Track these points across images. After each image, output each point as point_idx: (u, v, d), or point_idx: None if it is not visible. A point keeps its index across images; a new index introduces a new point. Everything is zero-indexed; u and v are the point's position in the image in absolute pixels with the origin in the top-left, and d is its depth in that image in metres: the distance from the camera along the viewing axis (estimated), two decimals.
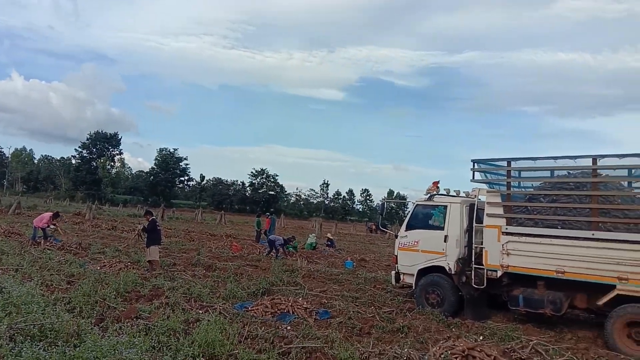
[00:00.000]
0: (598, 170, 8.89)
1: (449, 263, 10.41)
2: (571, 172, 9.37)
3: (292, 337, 7.37)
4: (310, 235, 25.16)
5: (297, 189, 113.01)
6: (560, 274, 8.87)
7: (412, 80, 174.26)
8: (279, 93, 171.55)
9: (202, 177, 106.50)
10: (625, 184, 9.46)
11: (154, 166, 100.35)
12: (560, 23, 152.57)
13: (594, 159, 8.77)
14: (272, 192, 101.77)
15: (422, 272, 10.86)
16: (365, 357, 6.79)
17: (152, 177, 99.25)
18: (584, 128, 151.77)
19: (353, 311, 9.77)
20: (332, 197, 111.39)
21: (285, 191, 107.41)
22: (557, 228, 9.02)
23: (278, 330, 7.67)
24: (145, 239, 13.48)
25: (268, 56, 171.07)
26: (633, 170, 9.11)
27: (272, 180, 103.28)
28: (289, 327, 8.04)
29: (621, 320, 8.20)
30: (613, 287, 8.33)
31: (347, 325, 8.72)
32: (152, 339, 6.49)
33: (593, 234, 8.56)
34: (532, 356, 7.47)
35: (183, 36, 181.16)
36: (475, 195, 10.80)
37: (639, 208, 8.67)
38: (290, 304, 9.37)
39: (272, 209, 60.96)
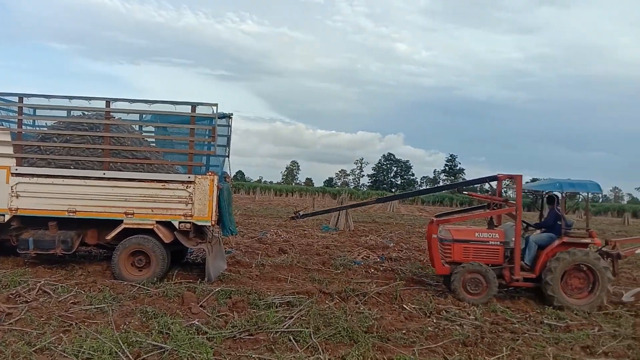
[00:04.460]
0: (112, 113, 9.33)
1: None
2: (86, 113, 9.47)
3: None
4: None
5: None
6: (72, 214, 8.98)
7: None
8: None
9: None
10: (137, 127, 10.33)
11: None
12: None
13: (108, 101, 9.13)
14: None
15: None
16: None
17: None
18: (114, 73, 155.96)
19: None
20: None
21: None
22: (70, 168, 9.04)
23: None
24: None
25: None
26: (143, 115, 10.06)
27: None
28: None
29: (127, 251, 9.04)
30: (121, 221, 9.06)
31: None
32: None
33: (104, 174, 9.01)
34: (39, 297, 7.38)
35: None
36: None
37: (145, 149, 9.62)
38: None
39: None
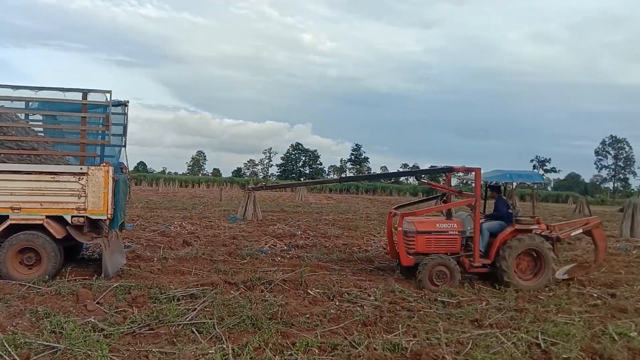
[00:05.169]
0: None
1: None
2: None
3: None
4: None
5: None
6: None
7: None
8: None
9: None
10: (22, 116, 9.58)
11: None
12: None
13: None
14: None
15: None
16: None
17: None
18: None
19: None
20: None
21: None
22: None
23: None
24: None
25: None
26: (30, 103, 9.33)
27: None
28: None
29: (14, 248, 8.40)
30: (7, 217, 8.39)
31: None
32: None
33: None
34: None
35: None
36: None
37: (32, 139, 8.97)
38: None
39: None
